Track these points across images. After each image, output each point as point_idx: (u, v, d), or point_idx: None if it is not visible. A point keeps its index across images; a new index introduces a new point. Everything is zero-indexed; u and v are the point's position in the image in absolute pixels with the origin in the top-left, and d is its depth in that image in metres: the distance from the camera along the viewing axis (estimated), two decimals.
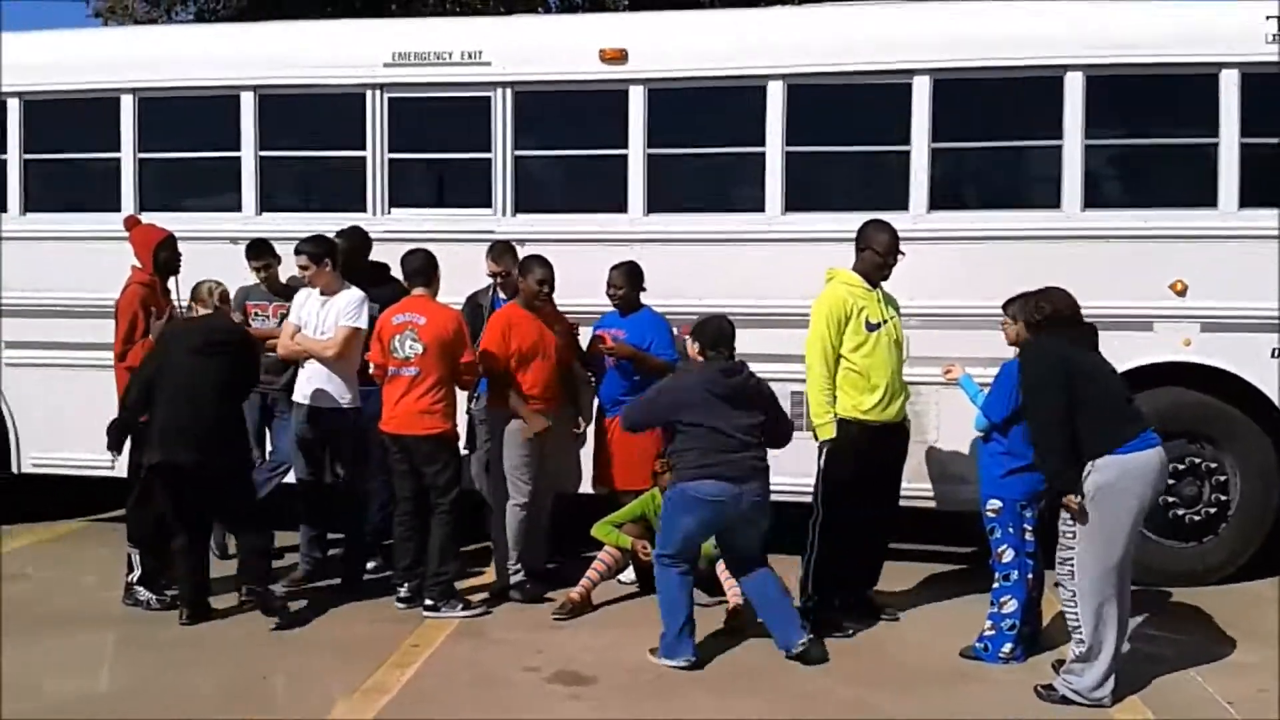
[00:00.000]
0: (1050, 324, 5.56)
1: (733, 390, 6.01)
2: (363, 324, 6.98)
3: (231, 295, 7.06)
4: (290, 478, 7.34)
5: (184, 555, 6.53)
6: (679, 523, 6.02)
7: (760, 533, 6.14)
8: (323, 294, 7.03)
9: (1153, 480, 5.40)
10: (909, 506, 7.02)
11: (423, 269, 6.80)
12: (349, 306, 6.99)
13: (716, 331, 6.18)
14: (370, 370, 6.83)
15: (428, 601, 6.64)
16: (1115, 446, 5.34)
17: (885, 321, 6.34)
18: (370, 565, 7.40)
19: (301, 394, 7.00)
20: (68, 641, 6.28)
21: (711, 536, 6.28)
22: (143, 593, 6.77)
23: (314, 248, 7.05)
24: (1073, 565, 5.46)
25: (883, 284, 6.44)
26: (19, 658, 6.00)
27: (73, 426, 8.12)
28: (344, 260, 7.29)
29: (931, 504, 7.33)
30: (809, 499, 6.48)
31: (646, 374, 6.99)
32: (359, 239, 7.47)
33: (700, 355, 6.17)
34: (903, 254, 6.37)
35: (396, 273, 7.22)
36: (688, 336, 6.31)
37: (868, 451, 6.31)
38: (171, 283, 6.89)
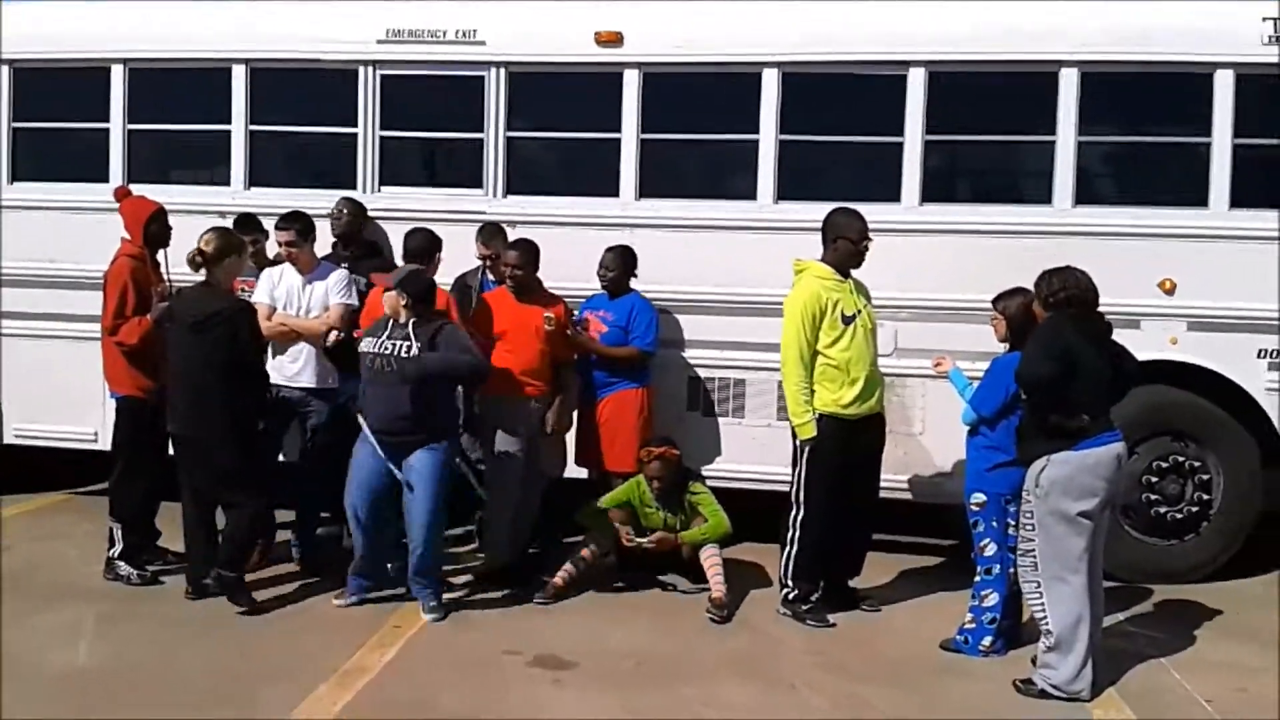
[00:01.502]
0: (1065, 306, 5.52)
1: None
2: (355, 301, 6.98)
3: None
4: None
5: (193, 529, 6.50)
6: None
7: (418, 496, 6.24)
8: (302, 272, 7.01)
9: (1107, 474, 5.44)
10: (891, 499, 7.04)
11: (423, 249, 6.78)
12: (340, 285, 7.01)
13: (428, 286, 6.27)
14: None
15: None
16: (1075, 444, 5.39)
17: (860, 312, 6.32)
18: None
19: (287, 377, 6.94)
20: (49, 616, 6.25)
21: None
22: (124, 568, 6.74)
23: (302, 224, 7.03)
24: (1034, 557, 5.52)
25: (853, 273, 6.43)
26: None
27: (57, 398, 8.12)
28: (345, 230, 7.42)
29: (916, 496, 7.35)
30: (785, 489, 6.50)
31: (615, 363, 7.05)
32: (362, 210, 7.55)
33: (408, 310, 6.20)
34: (870, 240, 6.34)
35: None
36: (393, 290, 6.30)
37: (847, 446, 6.32)
38: (161, 255, 6.83)
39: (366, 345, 6.30)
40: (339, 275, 7.06)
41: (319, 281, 7.01)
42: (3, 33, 8.16)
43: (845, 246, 6.33)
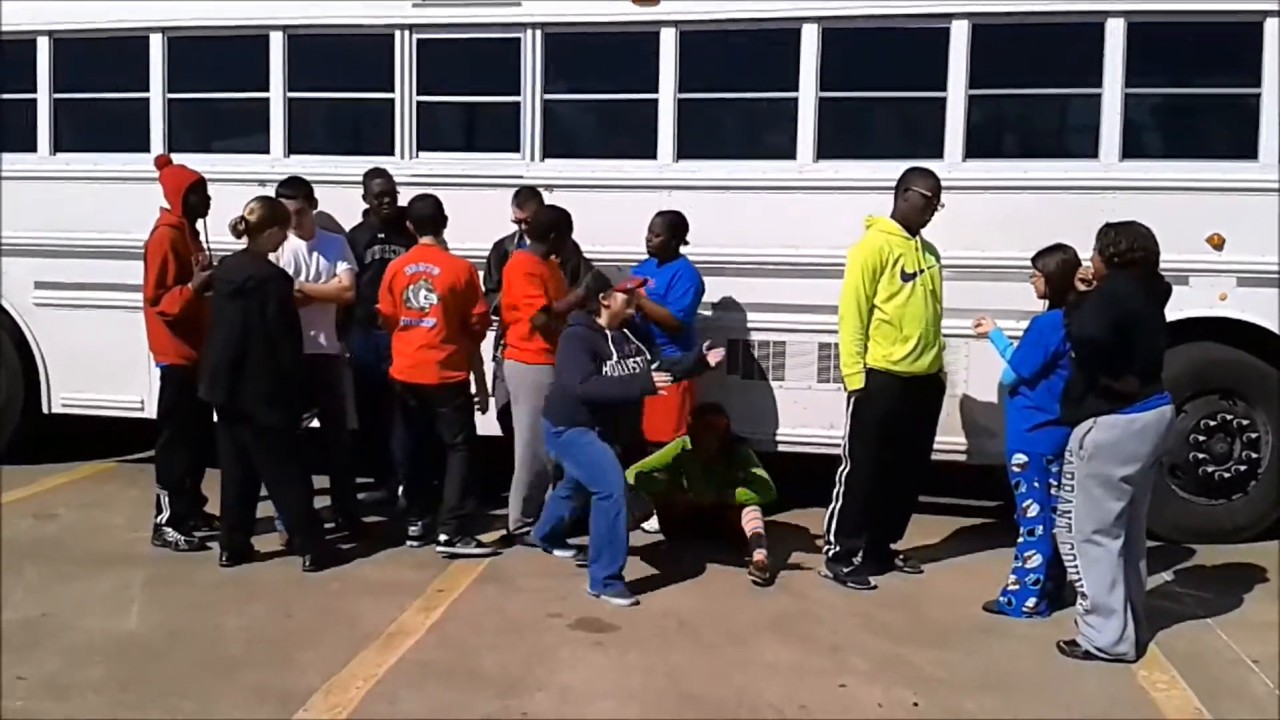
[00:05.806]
0: (1132, 266, 5.37)
1: None
2: (357, 266, 7.16)
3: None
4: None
5: (230, 494, 6.57)
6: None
7: None
8: (305, 239, 7.02)
9: (1153, 439, 5.34)
10: (937, 460, 6.98)
11: (432, 217, 6.72)
12: (345, 249, 7.11)
13: None
14: (379, 320, 6.84)
15: (442, 537, 6.70)
16: (1123, 407, 5.30)
17: (922, 270, 6.23)
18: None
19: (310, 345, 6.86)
20: (96, 582, 6.33)
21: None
22: (171, 534, 6.83)
23: (306, 189, 7.10)
24: (1070, 519, 5.45)
25: (922, 232, 6.33)
26: (51, 596, 6.08)
27: (102, 367, 8.22)
28: (378, 199, 7.44)
29: (959, 457, 7.28)
30: (825, 451, 6.46)
31: (655, 323, 7.03)
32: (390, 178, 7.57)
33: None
34: (942, 205, 6.26)
35: None
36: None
37: (898, 403, 6.25)
38: (200, 225, 6.86)
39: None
40: (343, 241, 7.20)
41: (323, 247, 7.04)
42: (39, 3, 8.24)
43: (916, 198, 6.20)
